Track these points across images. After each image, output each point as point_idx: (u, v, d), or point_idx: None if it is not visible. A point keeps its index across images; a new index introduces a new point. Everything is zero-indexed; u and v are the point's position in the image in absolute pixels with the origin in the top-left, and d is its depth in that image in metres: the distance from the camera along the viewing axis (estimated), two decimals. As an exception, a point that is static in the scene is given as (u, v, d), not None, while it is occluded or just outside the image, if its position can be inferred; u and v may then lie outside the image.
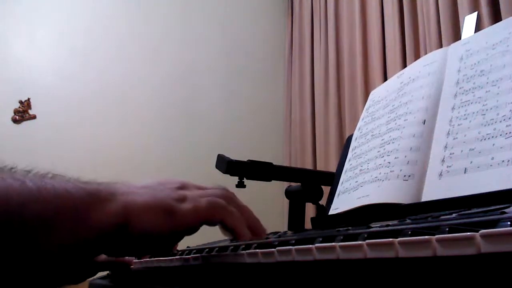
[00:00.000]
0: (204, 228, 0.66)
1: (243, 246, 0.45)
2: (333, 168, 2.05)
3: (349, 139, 0.91)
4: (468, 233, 0.23)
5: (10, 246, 0.34)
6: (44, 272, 0.37)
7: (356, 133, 0.86)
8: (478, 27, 0.79)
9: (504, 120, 0.55)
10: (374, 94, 0.90)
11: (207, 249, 0.51)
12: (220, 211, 0.45)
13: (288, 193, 1.02)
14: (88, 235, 0.38)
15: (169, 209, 0.42)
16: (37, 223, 0.35)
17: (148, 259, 0.62)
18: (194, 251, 0.54)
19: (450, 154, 0.59)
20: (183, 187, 0.45)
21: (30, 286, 0.37)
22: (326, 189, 0.95)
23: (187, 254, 0.52)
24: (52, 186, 0.38)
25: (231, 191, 0.48)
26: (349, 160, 0.84)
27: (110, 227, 0.39)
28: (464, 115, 0.61)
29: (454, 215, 0.38)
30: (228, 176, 0.93)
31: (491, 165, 0.53)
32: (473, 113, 0.60)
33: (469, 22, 0.81)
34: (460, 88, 0.65)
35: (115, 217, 0.39)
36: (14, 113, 2.89)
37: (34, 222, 0.35)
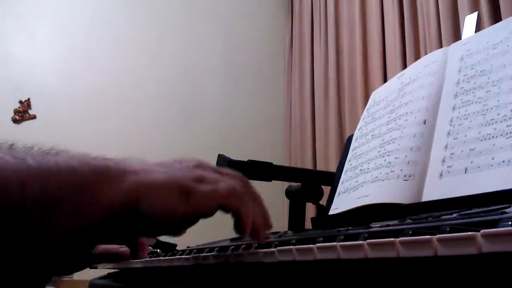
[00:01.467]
0: (204, 228, 0.66)
1: (244, 246, 0.45)
2: (333, 168, 2.06)
3: (350, 139, 0.91)
4: (469, 233, 0.23)
5: (10, 229, 0.31)
6: (49, 257, 0.34)
7: (356, 133, 0.86)
8: (478, 27, 0.79)
9: (504, 120, 0.55)
10: (375, 95, 0.90)
11: (207, 249, 0.51)
12: (237, 200, 0.42)
13: (288, 193, 1.02)
14: (95, 215, 0.35)
15: (186, 189, 0.39)
16: (38, 203, 0.32)
17: (148, 259, 0.62)
18: (195, 251, 0.54)
19: (451, 154, 0.59)
20: (200, 166, 0.42)
21: (30, 273, 0.34)
22: (326, 189, 0.95)
23: (187, 254, 0.52)
24: (55, 162, 0.35)
25: (245, 178, 0.45)
26: (349, 160, 0.84)
27: (119, 207, 0.36)
28: (465, 115, 0.61)
29: (454, 215, 0.38)
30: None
31: (491, 165, 0.53)
32: (474, 113, 0.60)
33: (469, 22, 0.81)
34: (460, 88, 0.65)
35: (125, 196, 0.36)
36: (14, 113, 2.89)
37: (36, 202, 0.32)
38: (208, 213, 0.40)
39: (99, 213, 0.35)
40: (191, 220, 0.40)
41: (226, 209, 0.42)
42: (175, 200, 0.38)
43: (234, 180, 0.43)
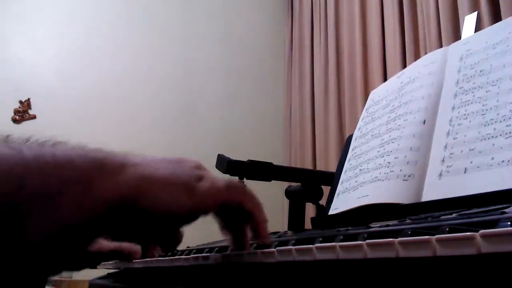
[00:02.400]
0: (204, 228, 0.66)
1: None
2: (333, 168, 2.05)
3: (349, 139, 0.91)
4: (468, 233, 0.23)
5: (9, 222, 0.30)
6: (50, 253, 0.33)
7: (356, 133, 0.86)
8: (478, 27, 0.79)
9: (504, 120, 0.55)
10: (374, 94, 0.90)
11: (207, 249, 0.51)
12: (240, 193, 0.42)
13: (288, 193, 1.02)
14: (94, 208, 0.34)
15: (187, 185, 0.38)
16: (37, 197, 0.31)
17: (148, 259, 0.62)
18: (194, 251, 0.54)
19: (450, 154, 0.59)
20: (198, 167, 0.42)
21: (34, 270, 0.33)
22: (326, 189, 0.95)
23: (187, 254, 0.53)
24: (52, 155, 0.33)
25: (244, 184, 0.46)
26: (349, 160, 0.84)
27: (118, 200, 0.35)
28: (464, 115, 0.61)
29: (454, 215, 0.38)
30: (228, 176, 0.93)
31: (491, 165, 0.53)
32: (473, 113, 0.60)
33: (469, 22, 0.81)
34: (460, 88, 0.65)
35: (124, 189, 0.35)
36: (14, 113, 2.89)
37: (34, 195, 0.31)
38: (209, 209, 0.40)
39: (99, 206, 0.34)
40: (191, 217, 0.40)
41: (228, 205, 0.41)
42: (178, 196, 0.38)
43: (232, 180, 0.43)
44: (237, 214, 0.43)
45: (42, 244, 0.32)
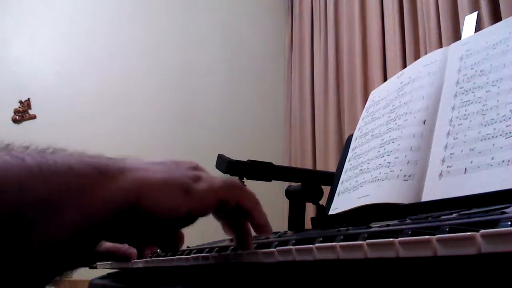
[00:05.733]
0: (204, 228, 0.66)
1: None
2: (333, 168, 2.05)
3: (349, 139, 0.91)
4: (468, 233, 0.23)
5: (16, 232, 0.30)
6: (54, 258, 0.33)
7: (356, 133, 0.86)
8: (478, 27, 0.79)
9: (504, 120, 0.55)
10: (374, 94, 0.90)
11: (207, 249, 0.51)
12: (237, 192, 0.42)
13: (288, 193, 1.02)
14: (98, 214, 0.34)
15: (185, 187, 0.39)
16: (39, 205, 0.31)
17: (149, 258, 0.62)
18: (195, 251, 0.54)
19: (450, 154, 0.59)
20: (196, 168, 0.43)
21: (31, 275, 0.33)
22: (326, 189, 0.95)
23: (187, 254, 0.52)
24: (53, 162, 0.34)
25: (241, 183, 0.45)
26: (349, 160, 0.84)
27: (121, 205, 0.35)
28: (464, 115, 0.61)
29: (454, 215, 0.38)
30: (227, 176, 0.93)
31: (491, 165, 0.53)
32: (473, 113, 0.60)
33: (469, 22, 0.81)
34: (460, 88, 0.65)
35: (126, 194, 0.36)
36: (14, 113, 2.90)
37: (36, 204, 0.31)
38: (208, 209, 0.41)
39: (103, 212, 0.34)
40: (190, 218, 0.40)
41: (226, 204, 0.42)
42: (176, 198, 0.38)
43: (230, 179, 0.44)
44: (236, 212, 0.43)
45: (46, 251, 0.32)
